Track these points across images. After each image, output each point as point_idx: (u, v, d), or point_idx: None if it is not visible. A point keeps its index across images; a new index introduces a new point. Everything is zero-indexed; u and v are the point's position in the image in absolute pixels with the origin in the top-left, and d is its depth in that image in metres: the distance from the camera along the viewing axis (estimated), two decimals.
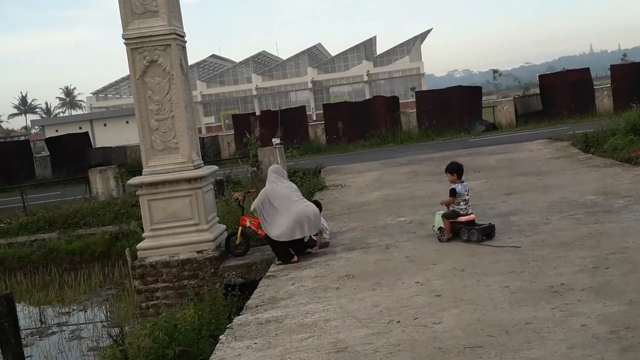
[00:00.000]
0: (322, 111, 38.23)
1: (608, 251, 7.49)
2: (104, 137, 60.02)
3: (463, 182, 9.30)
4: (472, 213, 9.26)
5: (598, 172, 13.90)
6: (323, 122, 35.38)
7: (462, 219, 9.10)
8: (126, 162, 32.37)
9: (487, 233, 8.91)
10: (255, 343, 6.02)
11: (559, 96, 32.06)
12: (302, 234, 9.16)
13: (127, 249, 11.67)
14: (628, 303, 5.67)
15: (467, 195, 9.26)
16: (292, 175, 18.94)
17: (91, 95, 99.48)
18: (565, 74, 36.32)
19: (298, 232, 9.12)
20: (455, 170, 9.35)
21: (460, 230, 9.04)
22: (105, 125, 69.95)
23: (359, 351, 5.40)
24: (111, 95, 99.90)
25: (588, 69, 34.50)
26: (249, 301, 7.58)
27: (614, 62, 45.03)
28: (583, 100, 31.79)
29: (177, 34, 10.34)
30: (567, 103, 31.71)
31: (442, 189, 14.28)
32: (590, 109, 31.66)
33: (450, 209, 9.22)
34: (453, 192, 9.16)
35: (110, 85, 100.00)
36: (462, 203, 9.17)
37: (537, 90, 34.69)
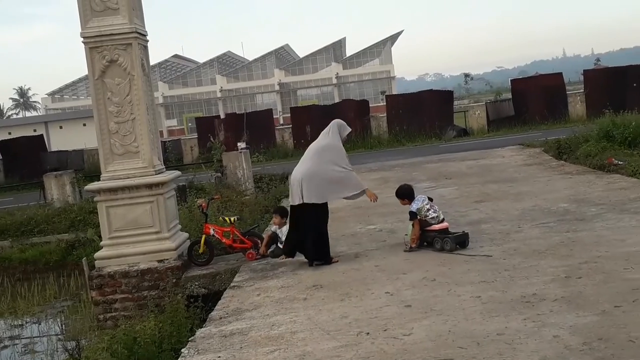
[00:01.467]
0: (289, 115, 38.25)
1: (580, 260, 7.62)
2: (60, 140, 59.18)
3: (416, 198, 9.41)
4: (444, 221, 9.35)
5: (571, 180, 14.13)
6: (290, 126, 35.43)
7: (436, 227, 9.18)
8: (83, 166, 32.03)
9: (461, 241, 9.00)
10: (219, 357, 5.99)
11: (532, 101, 32.52)
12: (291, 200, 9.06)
13: (84, 258, 11.53)
14: (601, 314, 5.77)
15: (429, 205, 9.33)
16: (258, 181, 18.95)
17: (46, 96, 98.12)
18: (537, 78, 36.86)
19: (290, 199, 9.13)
20: (405, 195, 9.54)
21: (433, 238, 9.13)
22: (61, 127, 68.95)
23: None
24: (68, 97, 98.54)
25: (561, 73, 35.06)
26: (212, 313, 7.54)
27: (587, 67, 45.81)
28: (556, 106, 32.29)
29: (138, 33, 10.26)
30: (539, 108, 32.16)
31: None
32: (563, 114, 32.16)
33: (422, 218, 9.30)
34: (413, 216, 9.22)
35: (67, 86, 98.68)
36: (430, 212, 9.26)
37: (510, 95, 35.16)
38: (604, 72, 35.81)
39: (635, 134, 17.04)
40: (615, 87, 31.32)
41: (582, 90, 33.60)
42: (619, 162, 14.84)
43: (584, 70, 36.05)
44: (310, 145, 9.43)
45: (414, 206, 9.28)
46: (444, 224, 9.27)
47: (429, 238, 9.19)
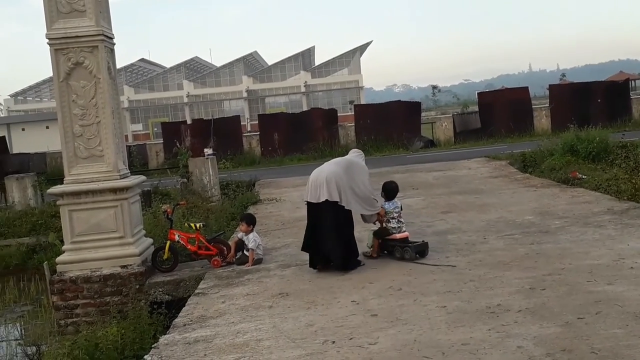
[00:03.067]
0: (257, 122, 38.19)
1: (545, 272, 7.72)
2: (22, 143, 58.26)
3: (394, 201, 9.56)
4: (405, 231, 9.45)
5: (535, 192, 14.32)
6: (258, 133, 35.34)
7: (397, 236, 9.32)
8: (46, 169, 31.55)
9: (421, 251, 9.15)
10: None
11: (498, 114, 32.93)
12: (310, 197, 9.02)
13: (46, 262, 11.36)
14: (564, 325, 5.85)
15: (397, 213, 9.47)
16: (225, 188, 18.85)
17: (9, 97, 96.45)
18: (504, 92, 37.36)
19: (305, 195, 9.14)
20: (386, 192, 9.63)
21: (394, 247, 9.24)
22: (23, 130, 67.88)
23: None
24: (31, 98, 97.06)
25: (527, 87, 35.55)
26: (176, 319, 7.47)
27: (552, 81, 46.62)
28: (521, 119, 32.73)
29: (105, 36, 10.16)
30: (505, 121, 32.58)
31: None
32: (529, 128, 32.62)
33: (384, 226, 9.42)
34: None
35: (30, 88, 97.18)
36: (392, 221, 9.40)
37: (476, 108, 35.55)
38: (569, 87, 36.45)
39: (598, 148, 17.39)
40: (579, 102, 31.93)
41: (547, 105, 34.12)
42: (583, 176, 15.10)
43: (549, 85, 36.63)
44: (332, 160, 9.53)
45: (387, 205, 9.43)
46: (405, 234, 9.42)
47: (389, 247, 9.35)
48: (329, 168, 9.04)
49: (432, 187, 16.90)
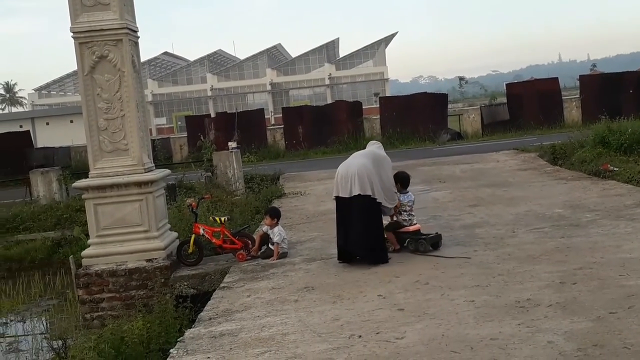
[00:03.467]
0: (281, 115, 38.26)
1: (575, 266, 7.66)
2: (47, 137, 58.93)
3: (407, 192, 9.64)
4: (416, 223, 9.57)
5: (565, 185, 14.19)
6: (282, 126, 35.40)
7: (410, 228, 9.42)
8: (70, 163, 31.88)
9: (435, 242, 9.25)
10: (208, 357, 5.99)
11: (527, 106, 32.66)
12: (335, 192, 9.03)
13: (71, 256, 11.50)
14: (596, 320, 5.81)
15: (410, 206, 9.56)
16: (249, 182, 18.94)
17: (33, 91, 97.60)
18: (533, 83, 37.03)
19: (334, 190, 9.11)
20: (399, 180, 9.65)
21: (406, 240, 9.38)
22: (48, 124, 68.63)
23: None
24: (55, 92, 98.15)
25: (557, 78, 35.22)
26: (201, 313, 7.54)
27: (582, 72, 46.09)
28: (551, 111, 32.43)
29: (129, 29, 10.24)
30: (534, 113, 32.31)
31: None
32: (559, 119, 32.32)
33: (394, 219, 9.50)
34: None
35: (55, 82, 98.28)
36: (404, 214, 9.50)
37: (504, 100, 35.28)
38: (600, 77, 35.99)
39: (630, 140, 17.15)
40: (611, 93, 31.52)
41: (577, 96, 33.77)
42: (615, 169, 14.93)
43: (579, 76, 36.27)
44: (357, 152, 9.54)
45: (402, 198, 9.50)
46: (417, 226, 9.51)
47: (402, 239, 9.44)
48: (358, 161, 9.03)
49: (460, 180, 16.82)
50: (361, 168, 8.87)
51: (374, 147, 9.61)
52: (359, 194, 8.75)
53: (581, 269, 7.51)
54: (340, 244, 9.07)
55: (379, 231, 9.04)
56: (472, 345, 5.48)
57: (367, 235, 8.80)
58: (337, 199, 9.04)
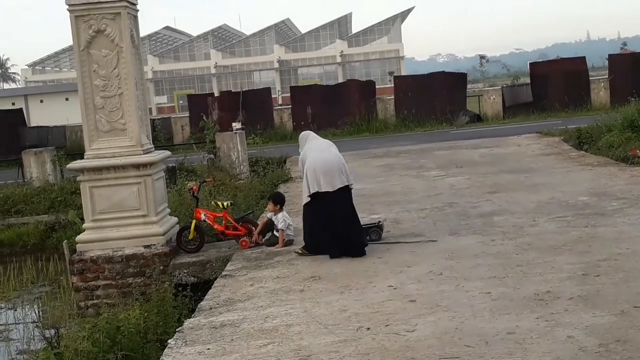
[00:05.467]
0: (289, 94, 38.22)
1: (599, 257, 7.66)
2: (41, 115, 59.04)
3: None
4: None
5: (591, 172, 14.16)
6: (290, 106, 35.36)
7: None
8: (65, 143, 31.96)
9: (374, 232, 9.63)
10: (209, 349, 6.04)
11: (552, 87, 32.45)
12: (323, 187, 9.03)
13: (65, 241, 11.54)
14: (619, 314, 5.82)
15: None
16: (254, 165, 18.98)
17: (27, 67, 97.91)
18: (559, 62, 36.76)
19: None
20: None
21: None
22: (42, 101, 68.89)
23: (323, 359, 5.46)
24: (49, 68, 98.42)
25: (584, 57, 34.97)
26: (202, 303, 7.59)
27: (612, 51, 45.79)
28: (577, 92, 32.21)
29: (128, 1, 10.24)
30: (560, 95, 32.10)
31: (419, 184, 14.48)
32: (585, 102, 32.11)
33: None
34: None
35: (49, 57, 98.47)
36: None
37: (528, 80, 35.13)
38: (631, 57, 35.67)
39: None
40: None
41: (606, 77, 33.54)
42: None
43: (609, 55, 35.97)
44: (315, 142, 9.55)
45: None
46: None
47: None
48: (334, 153, 9.20)
49: (478, 165, 16.80)
50: (340, 159, 9.12)
51: (316, 138, 9.67)
52: (346, 185, 8.99)
53: (605, 261, 7.51)
54: (328, 242, 8.96)
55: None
56: (487, 340, 5.50)
57: (359, 226, 9.15)
58: (318, 194, 8.94)
